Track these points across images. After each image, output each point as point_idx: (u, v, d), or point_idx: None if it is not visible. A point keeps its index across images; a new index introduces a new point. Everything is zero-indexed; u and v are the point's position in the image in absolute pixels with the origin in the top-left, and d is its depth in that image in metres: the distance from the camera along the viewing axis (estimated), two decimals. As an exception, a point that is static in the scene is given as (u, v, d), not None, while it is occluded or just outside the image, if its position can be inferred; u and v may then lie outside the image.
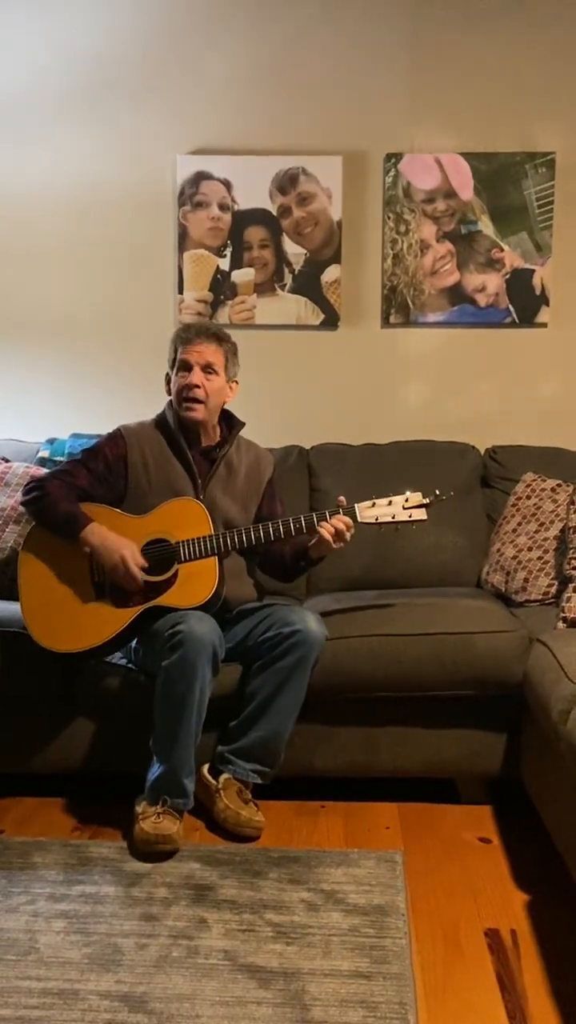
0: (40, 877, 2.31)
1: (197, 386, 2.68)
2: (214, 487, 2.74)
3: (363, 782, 2.79)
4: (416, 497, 2.63)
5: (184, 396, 2.70)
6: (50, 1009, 1.80)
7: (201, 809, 2.55)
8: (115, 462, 2.72)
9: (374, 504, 2.62)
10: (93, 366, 3.71)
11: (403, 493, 2.63)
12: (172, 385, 2.75)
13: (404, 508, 2.61)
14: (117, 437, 2.76)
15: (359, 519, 2.60)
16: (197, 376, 2.69)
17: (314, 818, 2.67)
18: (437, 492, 2.64)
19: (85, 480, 2.68)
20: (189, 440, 2.75)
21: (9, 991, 1.86)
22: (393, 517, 2.61)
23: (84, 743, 2.74)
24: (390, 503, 2.62)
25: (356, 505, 2.62)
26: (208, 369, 2.70)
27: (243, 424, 2.84)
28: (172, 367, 2.75)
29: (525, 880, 2.33)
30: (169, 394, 2.78)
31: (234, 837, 2.51)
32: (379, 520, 2.61)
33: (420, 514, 2.62)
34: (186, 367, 2.70)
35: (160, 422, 2.80)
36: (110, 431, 2.80)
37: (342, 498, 2.63)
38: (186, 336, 2.73)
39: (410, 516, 2.61)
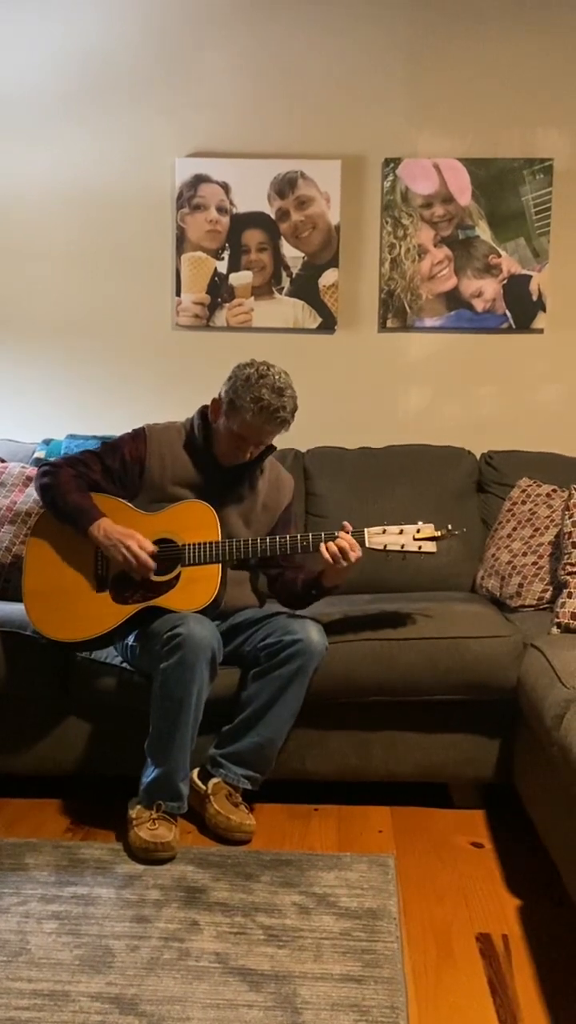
0: (31, 878, 2.30)
1: (247, 457, 2.64)
2: (231, 507, 2.69)
3: (356, 786, 2.79)
4: (428, 529, 2.58)
5: (232, 451, 2.64)
6: (40, 1011, 1.80)
7: (193, 812, 2.55)
8: (132, 463, 2.68)
9: (384, 531, 2.58)
10: (90, 367, 3.71)
11: (415, 523, 2.59)
12: (224, 428, 2.62)
13: (415, 539, 2.57)
14: (140, 437, 2.71)
15: (367, 544, 2.56)
16: (249, 453, 2.63)
17: (307, 821, 2.67)
18: (449, 527, 2.60)
19: (99, 474, 2.66)
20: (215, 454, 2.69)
21: (-1, 992, 1.86)
22: (402, 547, 2.56)
23: (77, 744, 2.74)
24: (401, 532, 2.57)
25: (366, 529, 2.57)
26: (261, 445, 2.66)
27: (274, 449, 2.75)
28: (234, 414, 2.57)
29: (517, 885, 2.33)
30: (214, 421, 2.66)
31: (225, 841, 2.51)
32: (387, 548, 2.57)
33: (430, 547, 2.57)
34: (244, 441, 2.60)
35: (188, 430, 2.73)
36: (135, 428, 2.74)
37: (346, 523, 2.57)
38: (263, 416, 2.54)
39: (420, 548, 2.56)
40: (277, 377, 2.56)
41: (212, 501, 2.66)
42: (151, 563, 2.54)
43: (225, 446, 2.65)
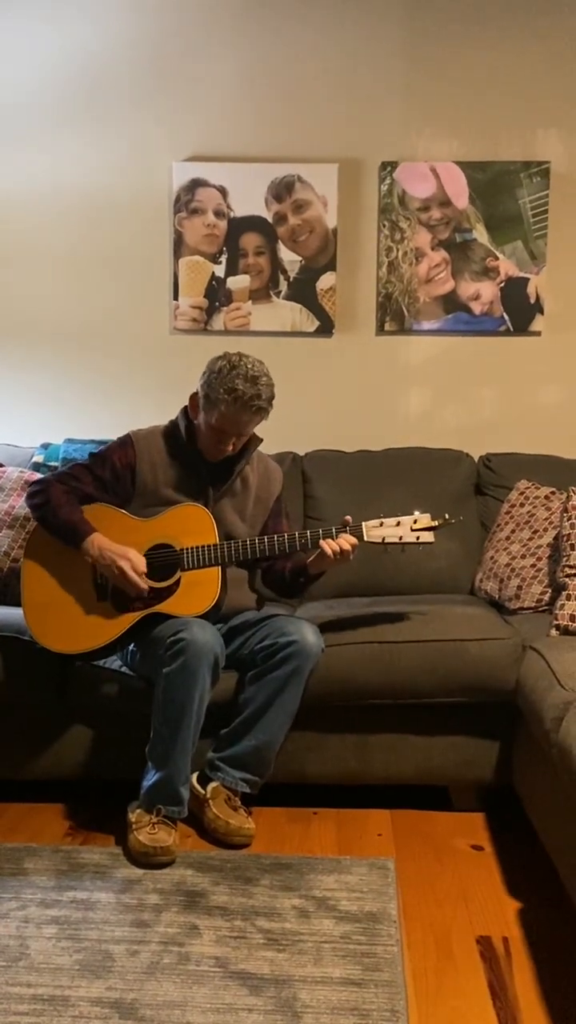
0: (31, 883, 2.30)
1: (230, 449, 2.63)
2: (225, 502, 2.70)
3: (356, 789, 2.79)
4: (425, 519, 2.57)
5: (214, 445, 2.63)
6: (40, 1016, 1.80)
7: (193, 816, 2.54)
8: (123, 470, 2.68)
9: (382, 524, 2.57)
10: (88, 371, 3.72)
11: (412, 514, 2.59)
12: (204, 423, 2.61)
13: (412, 530, 2.56)
14: (127, 444, 2.71)
15: (365, 538, 2.56)
16: (231, 444, 2.62)
17: (306, 825, 2.66)
18: (447, 516, 2.60)
19: (90, 486, 2.67)
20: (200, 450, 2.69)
21: (-1, 997, 1.85)
22: (400, 538, 2.56)
23: (75, 748, 2.74)
24: (398, 524, 2.57)
25: (363, 524, 2.57)
26: (242, 435, 2.65)
27: (261, 440, 2.74)
28: (210, 408, 2.56)
29: (517, 888, 2.32)
30: (195, 418, 2.66)
31: (225, 845, 2.50)
32: (385, 540, 2.56)
33: (428, 536, 2.56)
34: (224, 433, 2.59)
35: (171, 430, 2.73)
36: (121, 436, 2.74)
37: (348, 517, 2.58)
38: (238, 405, 2.52)
39: (417, 538, 2.56)
40: (250, 366, 2.55)
41: (206, 499, 2.67)
42: (143, 586, 2.55)
43: (207, 440, 2.64)
